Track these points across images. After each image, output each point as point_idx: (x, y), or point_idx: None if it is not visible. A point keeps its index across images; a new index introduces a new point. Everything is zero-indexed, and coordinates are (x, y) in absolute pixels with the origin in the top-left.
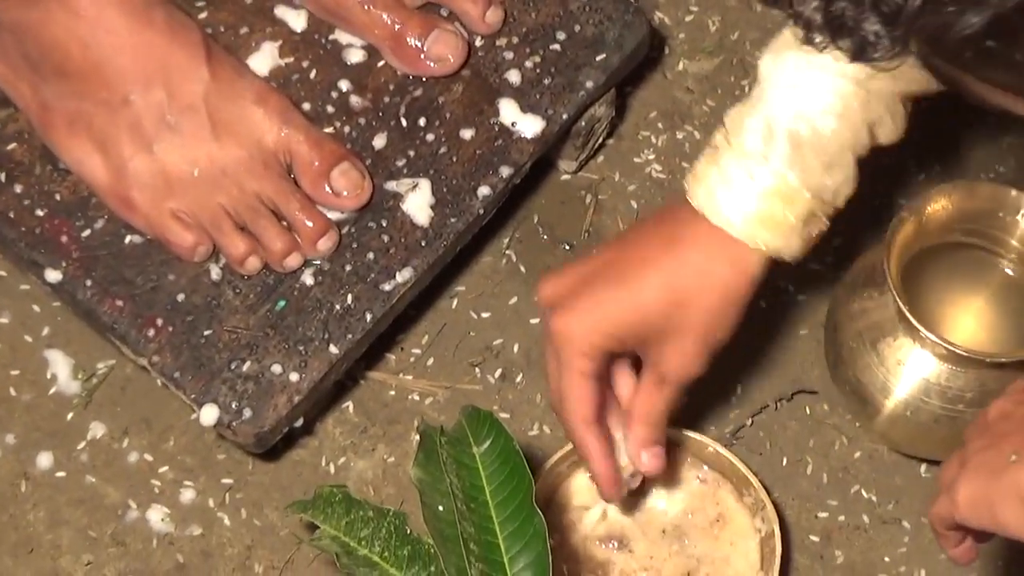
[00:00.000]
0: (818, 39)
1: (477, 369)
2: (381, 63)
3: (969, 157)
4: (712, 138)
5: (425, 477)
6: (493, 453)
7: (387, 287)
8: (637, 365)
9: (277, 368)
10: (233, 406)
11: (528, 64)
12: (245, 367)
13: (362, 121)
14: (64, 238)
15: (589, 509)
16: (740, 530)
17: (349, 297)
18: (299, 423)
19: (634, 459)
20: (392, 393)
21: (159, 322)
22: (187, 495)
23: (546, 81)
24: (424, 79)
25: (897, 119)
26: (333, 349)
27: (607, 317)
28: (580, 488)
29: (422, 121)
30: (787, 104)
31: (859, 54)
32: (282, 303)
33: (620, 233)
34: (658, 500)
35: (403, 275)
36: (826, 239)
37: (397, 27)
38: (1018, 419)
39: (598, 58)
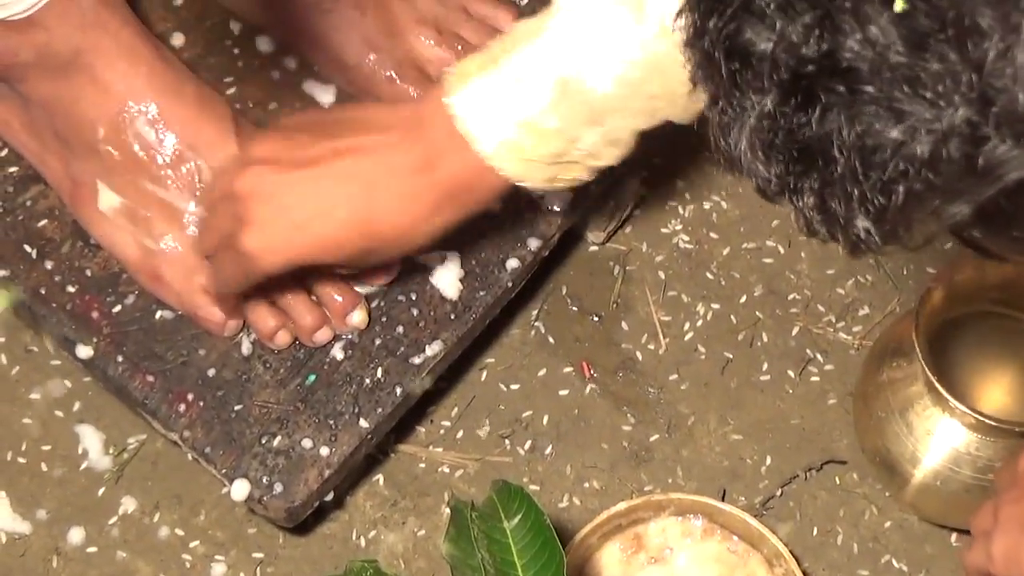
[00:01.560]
0: (820, 234)
1: (507, 441)
2: None
3: None
4: (490, 47)
5: (456, 552)
6: (524, 527)
7: (416, 360)
8: None
9: (307, 442)
10: (264, 481)
11: None
12: (276, 442)
13: None
14: (95, 314)
15: None
16: None
17: (379, 371)
18: (329, 497)
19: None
20: (422, 466)
21: (190, 397)
22: (218, 570)
23: None
24: None
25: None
26: (363, 423)
27: (306, 254)
28: (611, 560)
29: None
30: (570, 52)
31: (854, 249)
32: (312, 377)
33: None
34: (690, 571)
35: (432, 349)
36: (854, 308)
37: None
38: None
39: None
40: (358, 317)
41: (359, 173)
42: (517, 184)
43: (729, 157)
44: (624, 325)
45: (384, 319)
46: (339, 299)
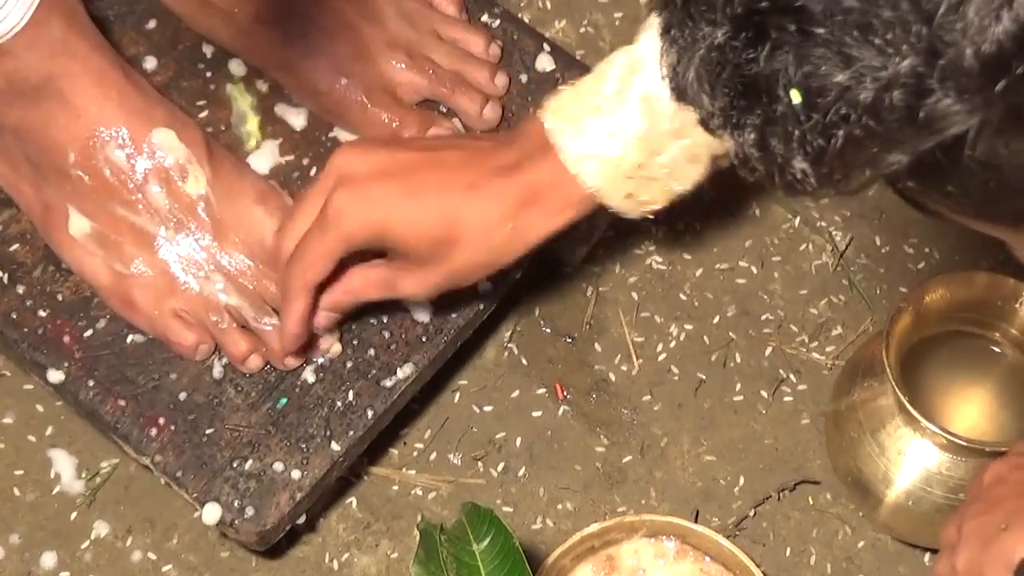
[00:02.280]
0: (757, 173)
1: (480, 463)
2: None
3: (967, 245)
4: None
5: (425, 574)
6: (493, 550)
7: (388, 383)
8: None
9: (279, 466)
10: (235, 504)
11: None
12: (247, 465)
13: None
14: (66, 338)
15: None
16: None
17: (350, 394)
18: (302, 520)
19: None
20: (395, 488)
21: (161, 421)
22: None
23: None
24: None
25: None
26: (335, 446)
27: (387, 225)
28: None
29: None
30: (654, 66)
31: (789, 190)
32: (283, 401)
33: (458, 136)
34: None
35: (404, 371)
36: (827, 328)
37: (395, 125)
38: (1012, 484)
39: None
40: (331, 346)
41: (449, 162)
42: (599, 202)
43: (677, 87)
44: (597, 346)
45: (356, 342)
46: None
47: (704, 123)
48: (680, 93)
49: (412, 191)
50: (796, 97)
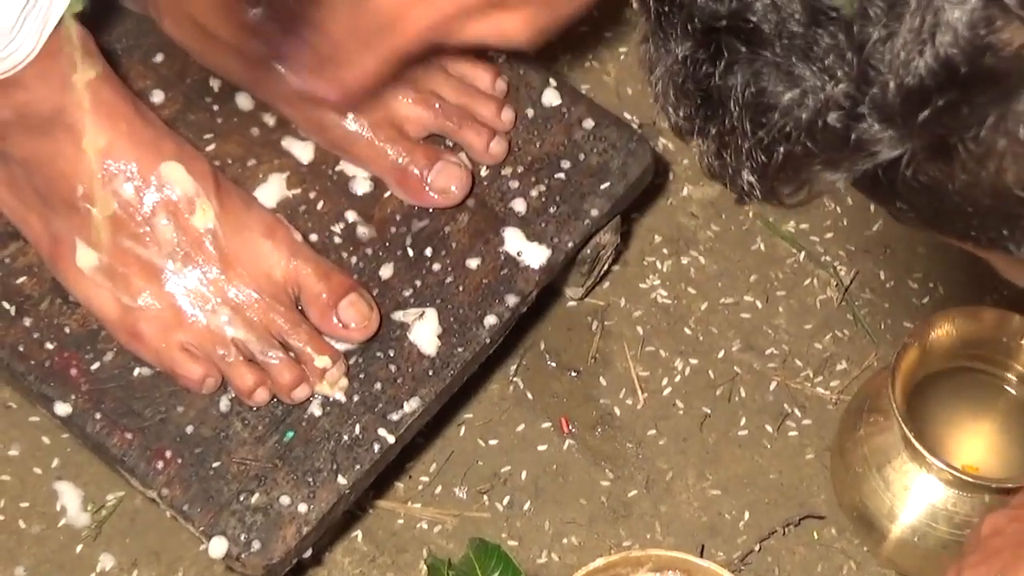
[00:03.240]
0: (716, 179)
1: (485, 496)
2: (387, 194)
3: (972, 280)
4: None
5: None
6: None
7: (395, 417)
8: None
9: (286, 499)
10: (242, 538)
11: (533, 193)
12: (254, 499)
13: (369, 251)
14: (73, 371)
15: None
16: None
17: (357, 427)
18: (308, 553)
19: None
20: (401, 522)
21: (168, 454)
22: None
23: (551, 210)
24: (430, 209)
25: None
26: (341, 480)
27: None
28: None
29: (428, 251)
30: None
31: (741, 200)
32: (290, 434)
33: None
34: None
35: (411, 405)
36: (832, 363)
37: (401, 159)
38: (1009, 535)
39: (603, 186)
40: (338, 380)
41: None
42: None
43: (654, 92)
44: (602, 380)
45: (362, 375)
46: (317, 356)
47: (675, 129)
48: (655, 97)
49: None
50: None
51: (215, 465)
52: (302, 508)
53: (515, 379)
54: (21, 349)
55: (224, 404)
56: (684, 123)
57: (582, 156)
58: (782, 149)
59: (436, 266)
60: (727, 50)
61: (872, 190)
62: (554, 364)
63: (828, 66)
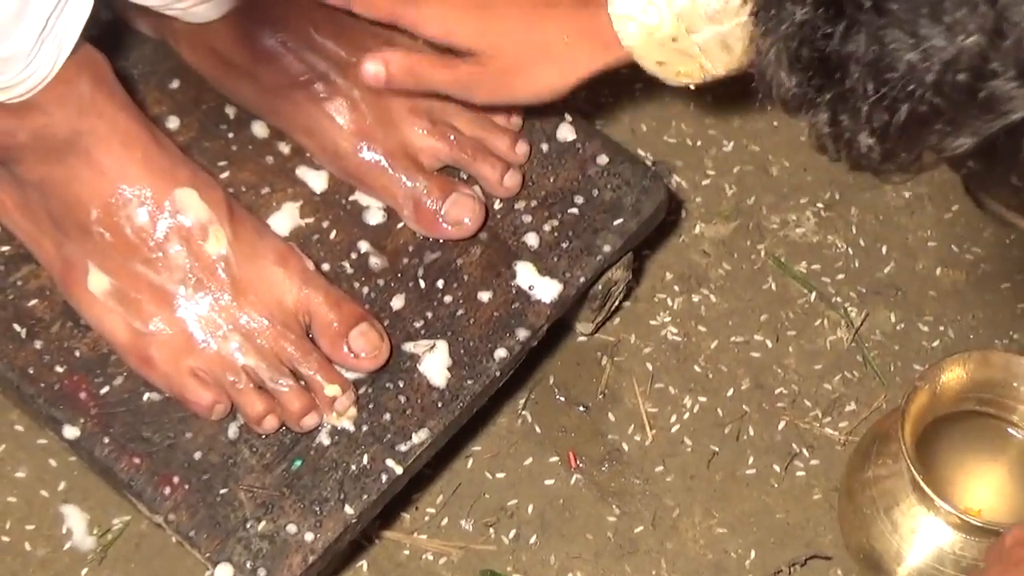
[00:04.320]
0: (828, 151)
1: (491, 529)
2: (400, 225)
3: (983, 324)
4: None
5: None
6: None
7: (403, 448)
8: None
9: (292, 528)
10: (248, 565)
11: (546, 227)
12: (260, 526)
13: (381, 282)
14: (83, 395)
15: None
16: None
17: (365, 457)
18: None
19: (366, 59)
20: (406, 553)
21: (175, 480)
22: None
23: (564, 245)
24: (442, 241)
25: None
26: (348, 509)
27: (461, 28)
28: None
29: (440, 283)
30: None
31: (855, 165)
32: (298, 463)
33: None
34: None
35: (419, 436)
36: (841, 404)
37: (415, 190)
38: None
39: (616, 222)
40: (347, 410)
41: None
42: (634, 59)
43: (759, 70)
44: (611, 416)
45: (371, 405)
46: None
47: (783, 103)
48: (760, 74)
49: (487, 10)
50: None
51: (222, 492)
52: (308, 537)
53: (524, 412)
54: (31, 371)
55: (233, 431)
56: (796, 91)
57: (595, 192)
58: (906, 108)
59: (447, 298)
60: (849, 10)
61: (987, 162)
62: (563, 399)
63: (958, 20)
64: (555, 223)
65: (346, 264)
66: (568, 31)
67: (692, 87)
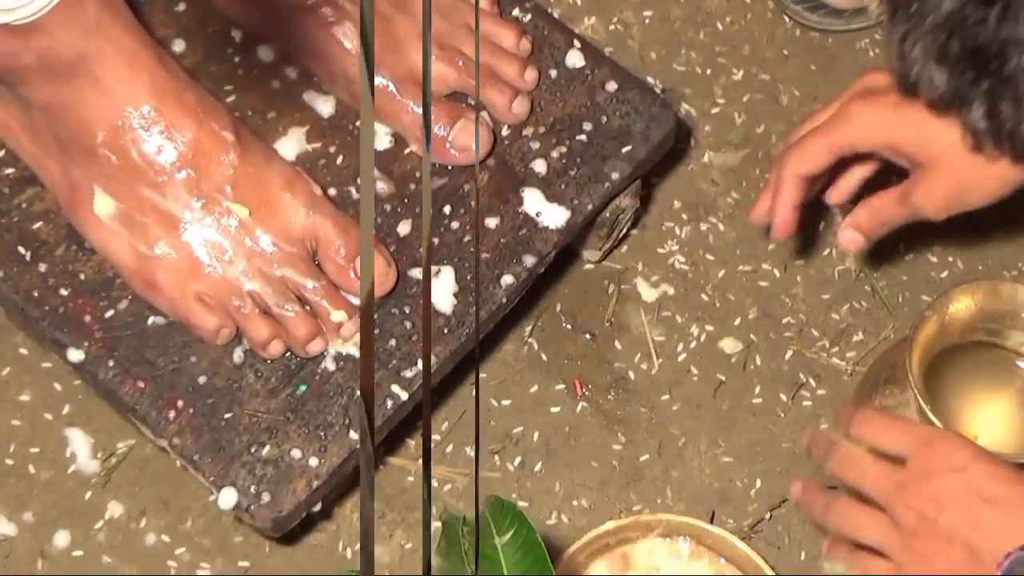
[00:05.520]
0: (986, 147)
1: (496, 456)
2: (408, 150)
3: (992, 254)
4: None
5: (446, 565)
6: (515, 544)
7: (408, 374)
8: None
9: (297, 453)
10: (252, 490)
11: (554, 154)
12: (265, 451)
13: (388, 208)
14: (87, 318)
15: None
16: None
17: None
18: (318, 507)
19: (840, 230)
20: (411, 479)
21: (180, 404)
22: None
23: (572, 172)
24: (450, 167)
25: None
26: (353, 435)
27: (893, 130)
28: None
29: (447, 209)
30: None
31: (1020, 157)
32: (303, 388)
33: None
34: None
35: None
36: (848, 334)
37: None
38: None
39: (624, 150)
40: (351, 328)
41: None
42: None
43: (903, 70)
44: (617, 344)
45: (377, 331)
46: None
47: (932, 102)
48: (904, 78)
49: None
50: None
51: (227, 416)
52: (313, 462)
53: (530, 340)
54: (35, 294)
55: (238, 355)
56: (948, 86)
57: (604, 119)
58: None
59: (454, 224)
60: None
61: None
62: (569, 326)
63: None
64: (563, 150)
65: (352, 189)
66: None
67: None
